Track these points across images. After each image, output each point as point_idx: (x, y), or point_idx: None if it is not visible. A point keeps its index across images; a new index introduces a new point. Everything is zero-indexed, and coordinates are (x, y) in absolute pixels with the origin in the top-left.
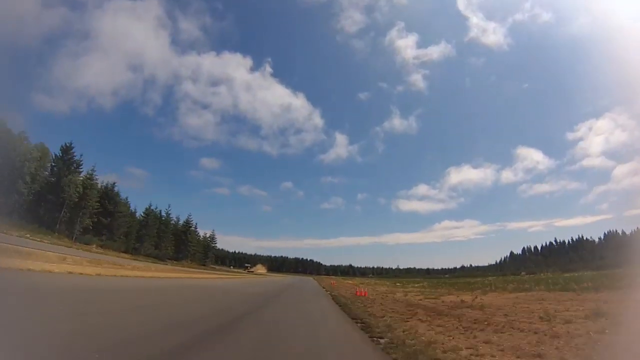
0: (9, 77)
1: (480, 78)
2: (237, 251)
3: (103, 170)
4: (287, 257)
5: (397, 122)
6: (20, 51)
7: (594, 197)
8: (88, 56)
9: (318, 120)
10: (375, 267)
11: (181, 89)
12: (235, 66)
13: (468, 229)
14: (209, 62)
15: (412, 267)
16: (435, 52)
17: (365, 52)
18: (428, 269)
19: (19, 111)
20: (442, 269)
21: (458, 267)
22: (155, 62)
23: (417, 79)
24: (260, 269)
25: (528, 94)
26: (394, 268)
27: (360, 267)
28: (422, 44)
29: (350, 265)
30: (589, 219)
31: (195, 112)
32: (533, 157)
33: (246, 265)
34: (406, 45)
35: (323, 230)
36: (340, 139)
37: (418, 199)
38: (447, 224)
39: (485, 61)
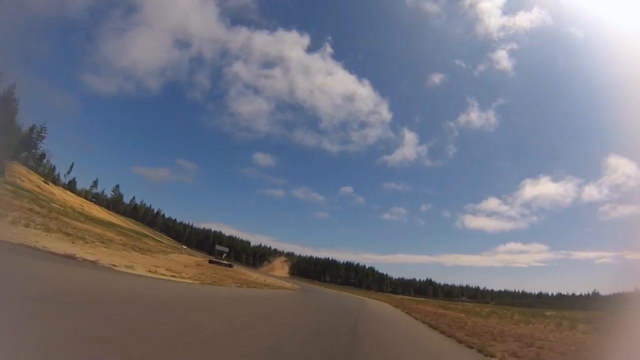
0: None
1: (578, 56)
2: (261, 244)
3: (155, 162)
4: (336, 261)
5: (474, 116)
6: (68, 25)
7: None
8: (133, 31)
9: (385, 113)
10: (465, 285)
11: (231, 70)
12: (290, 45)
13: (532, 255)
14: (261, 39)
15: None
16: (525, 19)
17: (440, 18)
18: (540, 294)
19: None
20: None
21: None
22: (202, 36)
23: (502, 57)
24: (279, 268)
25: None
26: (499, 290)
27: (445, 285)
28: (509, 9)
29: (430, 281)
30: None
31: (247, 97)
32: (625, 169)
33: (219, 249)
34: (490, 10)
35: (382, 244)
36: (409, 137)
37: (486, 215)
38: (513, 246)
39: (587, 34)
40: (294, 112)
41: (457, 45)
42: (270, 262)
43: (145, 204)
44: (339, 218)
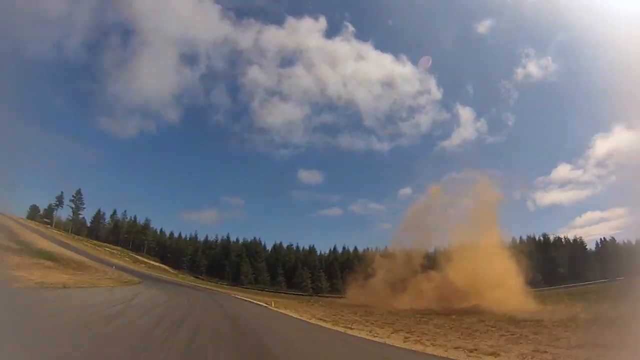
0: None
1: None
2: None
3: (199, 204)
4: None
5: (532, 67)
6: (68, 69)
7: None
8: (136, 57)
9: (434, 90)
10: None
11: (247, 79)
12: (306, 33)
13: (610, 223)
14: (272, 34)
15: None
16: None
17: None
18: None
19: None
20: None
21: None
22: (208, 41)
23: None
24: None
25: None
26: None
27: None
28: None
29: None
30: None
31: (273, 105)
32: None
33: None
34: None
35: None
36: (465, 113)
37: (559, 187)
38: (590, 216)
39: None
40: (332, 112)
41: None
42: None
43: (127, 218)
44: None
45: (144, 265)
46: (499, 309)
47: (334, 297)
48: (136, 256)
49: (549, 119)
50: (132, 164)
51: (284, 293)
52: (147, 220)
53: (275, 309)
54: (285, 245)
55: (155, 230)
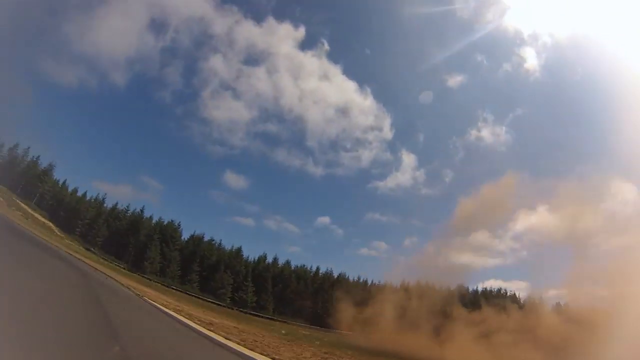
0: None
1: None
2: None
3: (117, 177)
4: None
5: (486, 132)
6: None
7: None
8: (104, 6)
9: (387, 130)
10: None
11: (207, 65)
12: (281, 38)
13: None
14: (247, 28)
15: None
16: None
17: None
18: None
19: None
20: None
21: None
22: (182, 18)
23: (530, 55)
24: None
25: None
26: None
27: None
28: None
29: None
30: None
31: (224, 100)
32: (626, 194)
33: None
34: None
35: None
36: (408, 159)
37: (473, 251)
38: (492, 284)
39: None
40: (278, 123)
41: (481, 38)
42: None
43: (29, 157)
44: (311, 254)
45: (21, 214)
46: None
47: (280, 321)
48: (18, 202)
49: (484, 184)
50: (59, 112)
51: (198, 298)
52: (50, 165)
53: None
54: (205, 239)
55: (57, 180)
